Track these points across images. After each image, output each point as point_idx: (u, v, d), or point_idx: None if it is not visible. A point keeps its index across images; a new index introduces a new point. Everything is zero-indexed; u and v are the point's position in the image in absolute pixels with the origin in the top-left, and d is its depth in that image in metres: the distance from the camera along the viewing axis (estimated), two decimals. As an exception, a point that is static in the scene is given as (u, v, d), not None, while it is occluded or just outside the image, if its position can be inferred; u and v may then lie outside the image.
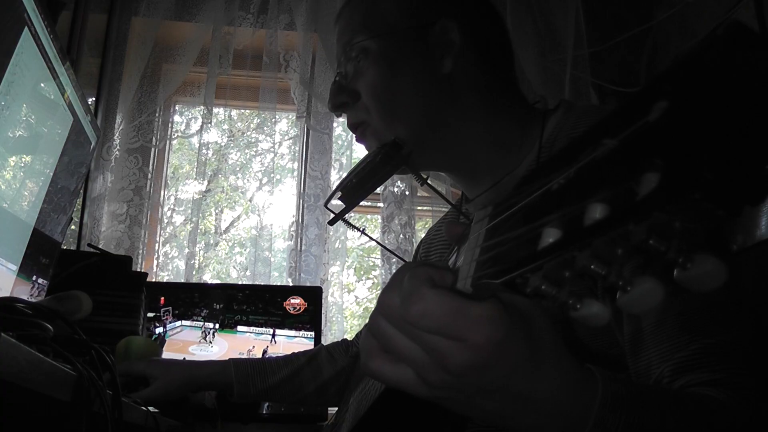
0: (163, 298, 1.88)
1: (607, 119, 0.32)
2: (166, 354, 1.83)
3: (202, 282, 2.29)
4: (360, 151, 2.26)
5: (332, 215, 0.84)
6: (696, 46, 0.28)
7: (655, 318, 0.63)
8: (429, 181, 0.85)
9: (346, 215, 0.84)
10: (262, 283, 2.09)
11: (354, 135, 0.93)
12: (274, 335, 1.87)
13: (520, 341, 0.39)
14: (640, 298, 0.30)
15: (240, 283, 2.43)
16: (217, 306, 1.91)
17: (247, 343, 1.88)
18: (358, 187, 0.79)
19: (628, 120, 0.30)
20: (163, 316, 1.87)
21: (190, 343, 1.87)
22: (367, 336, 0.43)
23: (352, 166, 0.84)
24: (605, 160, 0.31)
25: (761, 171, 0.25)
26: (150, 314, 1.84)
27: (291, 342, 1.85)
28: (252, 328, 1.90)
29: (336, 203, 0.86)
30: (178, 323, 1.88)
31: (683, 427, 0.50)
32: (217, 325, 1.88)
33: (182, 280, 2.11)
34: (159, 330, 1.87)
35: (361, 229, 0.92)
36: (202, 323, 1.88)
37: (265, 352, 1.84)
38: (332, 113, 2.23)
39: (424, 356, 0.39)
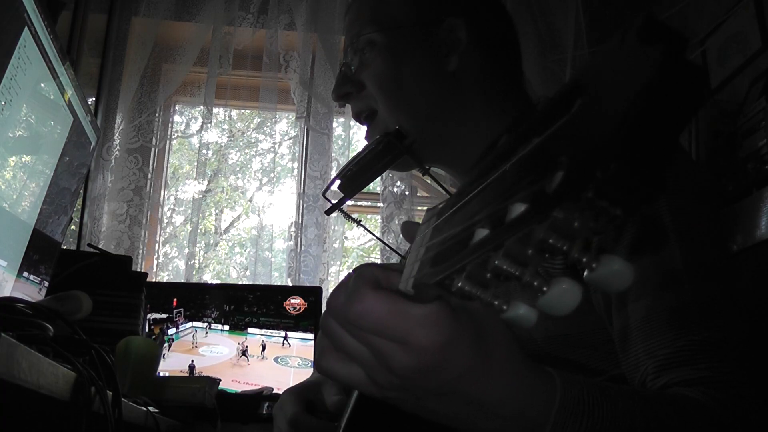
0: (175, 300, 1.86)
1: (539, 115, 0.32)
2: (177, 355, 1.81)
3: (212, 282, 2.29)
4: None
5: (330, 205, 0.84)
6: (612, 40, 0.28)
7: (643, 313, 0.62)
8: (428, 177, 0.85)
9: (345, 206, 0.84)
10: (263, 284, 2.09)
11: (365, 135, 0.93)
12: (286, 338, 1.85)
13: (469, 345, 0.39)
14: (557, 300, 0.30)
15: (240, 283, 2.43)
16: (228, 307, 1.88)
17: (259, 345, 1.84)
18: (357, 176, 0.78)
19: (553, 117, 0.30)
20: (176, 317, 1.85)
21: (200, 344, 1.85)
22: (321, 334, 0.43)
23: (353, 155, 0.83)
24: (529, 158, 0.31)
25: (654, 170, 0.25)
26: (162, 315, 1.83)
27: (306, 345, 1.82)
28: (264, 330, 1.87)
29: (335, 193, 0.85)
30: (189, 324, 1.86)
31: (654, 430, 0.49)
32: (213, 326, 1.86)
33: (182, 281, 2.11)
34: (172, 331, 1.84)
35: (358, 220, 0.92)
36: (209, 324, 1.86)
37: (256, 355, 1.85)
38: (332, 113, 2.24)
39: (370, 357, 0.39)
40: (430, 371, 0.38)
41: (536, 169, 0.29)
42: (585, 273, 0.28)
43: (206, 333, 1.86)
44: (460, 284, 0.32)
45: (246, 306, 1.88)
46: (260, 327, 1.87)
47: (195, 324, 1.86)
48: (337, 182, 0.80)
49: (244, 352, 1.84)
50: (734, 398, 0.56)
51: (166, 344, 1.82)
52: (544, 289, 0.30)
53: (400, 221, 2.09)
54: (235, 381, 1.80)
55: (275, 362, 1.83)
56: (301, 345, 1.83)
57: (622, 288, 0.28)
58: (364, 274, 0.40)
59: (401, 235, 2.02)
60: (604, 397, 0.46)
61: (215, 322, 1.87)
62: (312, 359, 1.78)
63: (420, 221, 0.46)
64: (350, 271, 0.41)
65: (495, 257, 0.30)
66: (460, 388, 0.40)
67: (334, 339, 0.41)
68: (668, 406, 0.52)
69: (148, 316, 1.83)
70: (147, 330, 1.82)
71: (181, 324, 1.86)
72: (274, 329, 1.86)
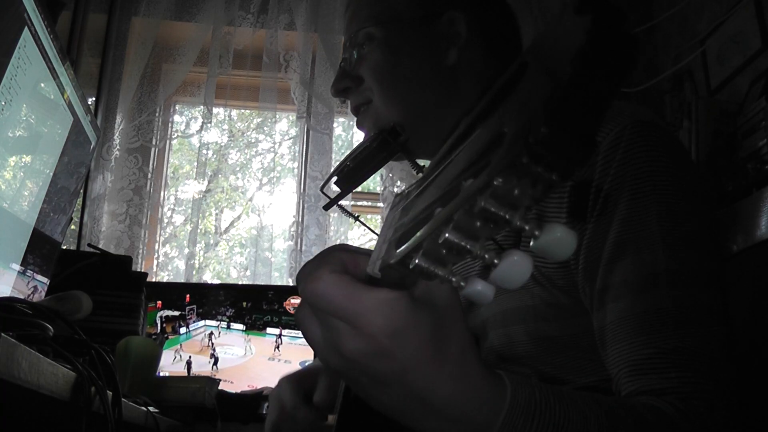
0: (188, 296, 1.81)
1: (492, 96, 0.33)
2: (193, 356, 1.76)
3: (215, 283, 2.27)
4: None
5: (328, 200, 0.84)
6: (555, 17, 0.30)
7: (619, 315, 0.62)
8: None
9: (343, 203, 0.84)
10: (263, 284, 2.08)
11: (356, 123, 0.92)
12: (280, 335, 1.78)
13: (421, 339, 0.38)
14: (509, 272, 0.30)
15: (241, 283, 2.42)
16: (245, 305, 1.79)
17: (281, 349, 1.73)
18: (353, 172, 0.78)
19: (503, 95, 0.31)
20: (188, 315, 1.79)
21: (214, 345, 1.78)
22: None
23: (349, 151, 0.83)
24: (480, 136, 0.32)
25: (585, 133, 0.26)
26: (175, 313, 1.79)
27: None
28: (286, 331, 1.76)
29: (334, 190, 0.86)
30: (201, 323, 1.80)
31: None
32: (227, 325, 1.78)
33: (182, 281, 2.11)
34: (183, 330, 1.77)
35: (356, 216, 0.92)
36: (228, 324, 1.77)
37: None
38: (333, 113, 2.24)
39: (323, 333, 0.40)
40: (377, 358, 0.38)
41: (485, 144, 0.30)
42: (531, 243, 0.29)
43: (219, 333, 1.78)
44: (417, 261, 0.32)
45: (265, 304, 1.79)
46: (283, 327, 1.78)
47: (208, 323, 1.79)
48: (335, 178, 0.80)
49: (215, 359, 1.75)
50: (700, 410, 0.56)
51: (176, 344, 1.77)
52: (496, 261, 0.30)
53: (400, 221, 2.09)
54: (251, 386, 1.73)
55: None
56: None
57: (566, 256, 0.29)
58: (327, 256, 0.40)
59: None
60: (557, 401, 0.46)
61: (230, 321, 1.79)
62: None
63: None
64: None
65: (446, 231, 0.30)
66: (406, 381, 0.39)
67: (301, 304, 0.42)
68: (627, 414, 0.51)
69: (160, 313, 1.79)
70: (159, 328, 1.77)
71: (192, 322, 1.79)
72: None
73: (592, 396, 0.51)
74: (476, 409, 0.42)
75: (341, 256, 0.40)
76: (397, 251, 0.35)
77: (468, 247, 0.30)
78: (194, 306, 1.80)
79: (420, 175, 0.84)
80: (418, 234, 0.33)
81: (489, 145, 0.30)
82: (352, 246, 0.43)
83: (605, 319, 0.63)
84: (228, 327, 1.80)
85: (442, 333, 0.39)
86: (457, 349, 0.40)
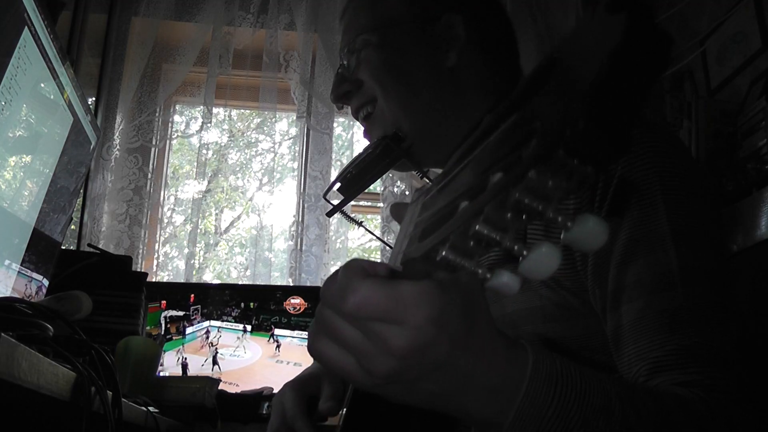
0: (193, 296, 1.79)
1: (518, 92, 0.33)
2: (192, 356, 1.74)
3: (217, 282, 2.27)
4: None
5: (331, 207, 0.84)
6: (585, 14, 0.30)
7: (636, 315, 0.62)
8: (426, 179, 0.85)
9: (345, 207, 0.84)
10: (263, 284, 2.08)
11: (363, 132, 0.91)
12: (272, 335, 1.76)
13: (458, 316, 0.40)
14: (537, 263, 0.31)
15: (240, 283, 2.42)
16: (251, 305, 1.75)
17: (291, 352, 1.67)
18: (356, 179, 0.78)
19: (531, 91, 0.32)
20: (192, 315, 1.76)
21: (219, 346, 1.74)
22: (315, 320, 0.44)
23: (353, 158, 0.83)
24: (509, 130, 0.32)
25: (621, 128, 0.26)
26: (179, 313, 1.77)
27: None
28: (296, 333, 1.69)
29: (336, 194, 0.85)
30: (206, 323, 1.76)
31: (630, 414, 0.48)
32: (232, 326, 1.74)
33: (182, 281, 2.11)
34: (190, 330, 1.74)
35: (359, 222, 0.92)
36: (244, 326, 1.74)
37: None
38: (333, 113, 2.24)
39: (368, 344, 0.40)
40: (427, 347, 0.39)
41: (515, 139, 0.31)
42: (562, 235, 0.29)
43: (219, 336, 1.76)
44: (444, 254, 0.33)
45: (273, 304, 1.74)
46: (292, 329, 1.73)
47: (212, 323, 1.76)
48: (338, 185, 0.80)
49: (214, 361, 1.72)
50: (723, 402, 0.56)
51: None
52: (525, 253, 0.31)
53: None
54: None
55: None
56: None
57: (598, 246, 0.29)
58: (351, 267, 0.41)
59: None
60: (578, 371, 0.47)
61: (235, 322, 1.76)
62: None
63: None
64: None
65: (476, 223, 0.31)
66: (452, 361, 0.41)
67: (330, 330, 0.41)
68: (647, 394, 0.52)
69: (165, 313, 1.77)
70: (164, 329, 1.76)
71: (196, 322, 1.76)
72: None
73: (611, 375, 0.52)
74: (508, 376, 0.44)
75: (361, 264, 0.41)
76: (421, 245, 0.35)
77: (498, 238, 0.31)
78: (198, 306, 1.79)
79: (425, 180, 0.84)
80: (444, 227, 0.33)
81: (519, 141, 0.30)
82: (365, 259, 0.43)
83: (621, 319, 0.64)
84: (243, 330, 1.76)
85: (471, 307, 0.41)
86: (485, 321, 0.43)
